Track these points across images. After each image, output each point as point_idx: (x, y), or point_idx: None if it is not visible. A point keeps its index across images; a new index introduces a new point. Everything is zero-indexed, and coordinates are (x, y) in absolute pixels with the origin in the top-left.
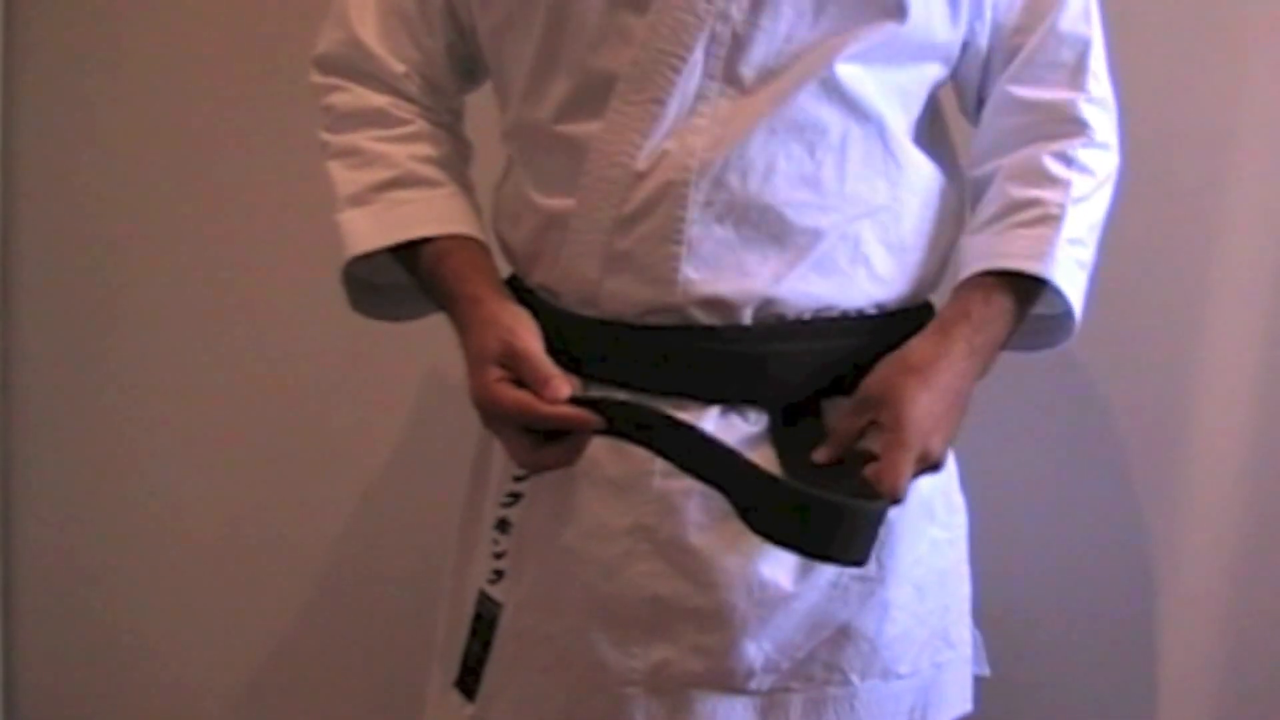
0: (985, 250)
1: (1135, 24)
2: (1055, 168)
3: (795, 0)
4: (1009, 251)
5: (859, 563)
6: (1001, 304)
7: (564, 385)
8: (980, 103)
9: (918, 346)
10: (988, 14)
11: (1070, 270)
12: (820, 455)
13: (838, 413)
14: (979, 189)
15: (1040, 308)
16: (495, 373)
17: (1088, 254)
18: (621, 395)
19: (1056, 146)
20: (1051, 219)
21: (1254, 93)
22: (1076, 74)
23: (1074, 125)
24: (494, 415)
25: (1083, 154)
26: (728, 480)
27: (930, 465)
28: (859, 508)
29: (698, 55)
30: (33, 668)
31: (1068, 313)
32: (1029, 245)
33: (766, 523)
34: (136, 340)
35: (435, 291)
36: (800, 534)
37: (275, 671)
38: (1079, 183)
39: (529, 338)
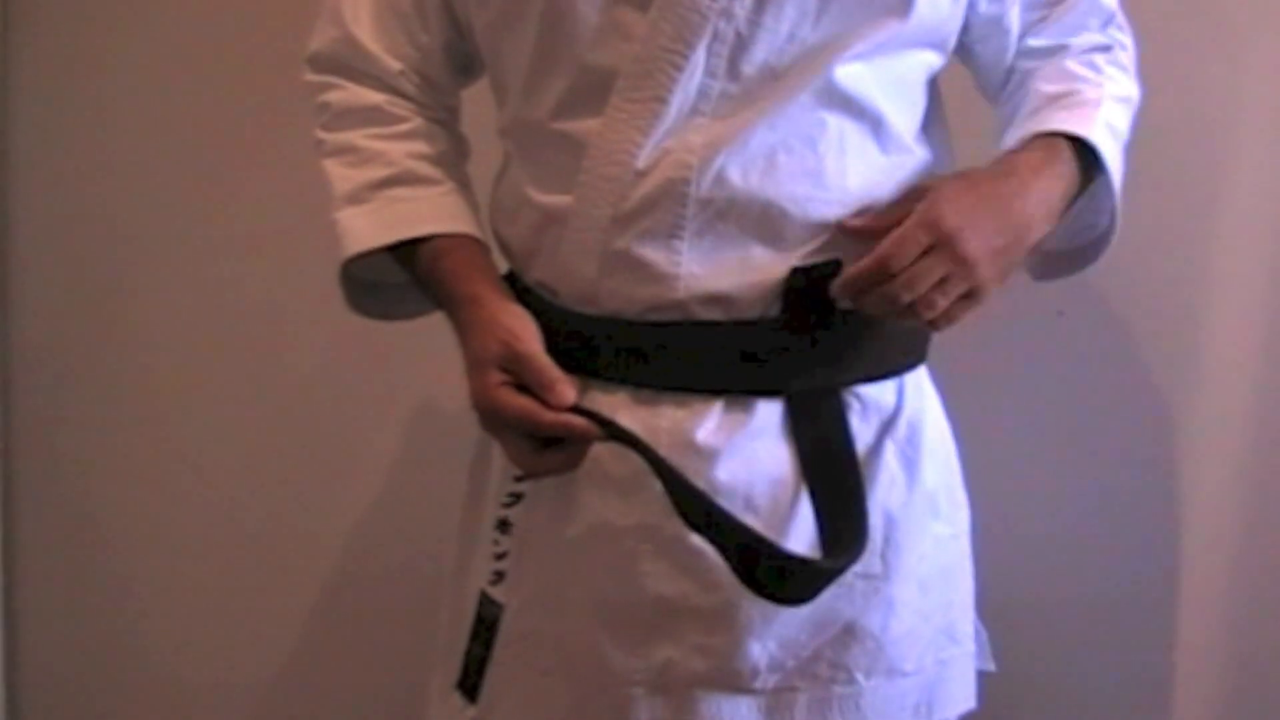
0: (1025, 129)
1: (1133, 16)
2: (1086, 70)
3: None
4: (1051, 121)
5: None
6: (1058, 152)
7: (570, 390)
8: (1007, 79)
9: (972, 170)
10: None
11: (1110, 147)
12: (853, 221)
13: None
14: (1003, 114)
15: (1079, 221)
16: (497, 377)
17: (1120, 147)
18: (622, 394)
19: (1086, 57)
20: (1091, 102)
21: (1253, 85)
22: (1099, 32)
23: (1100, 47)
24: (495, 420)
25: (1110, 67)
26: (713, 530)
27: (961, 262)
28: (836, 567)
29: (700, 53)
30: (35, 668)
31: (1110, 214)
32: (1070, 117)
33: (745, 575)
34: (138, 341)
35: (433, 290)
36: (775, 586)
37: (276, 672)
38: (1112, 81)
39: (531, 340)
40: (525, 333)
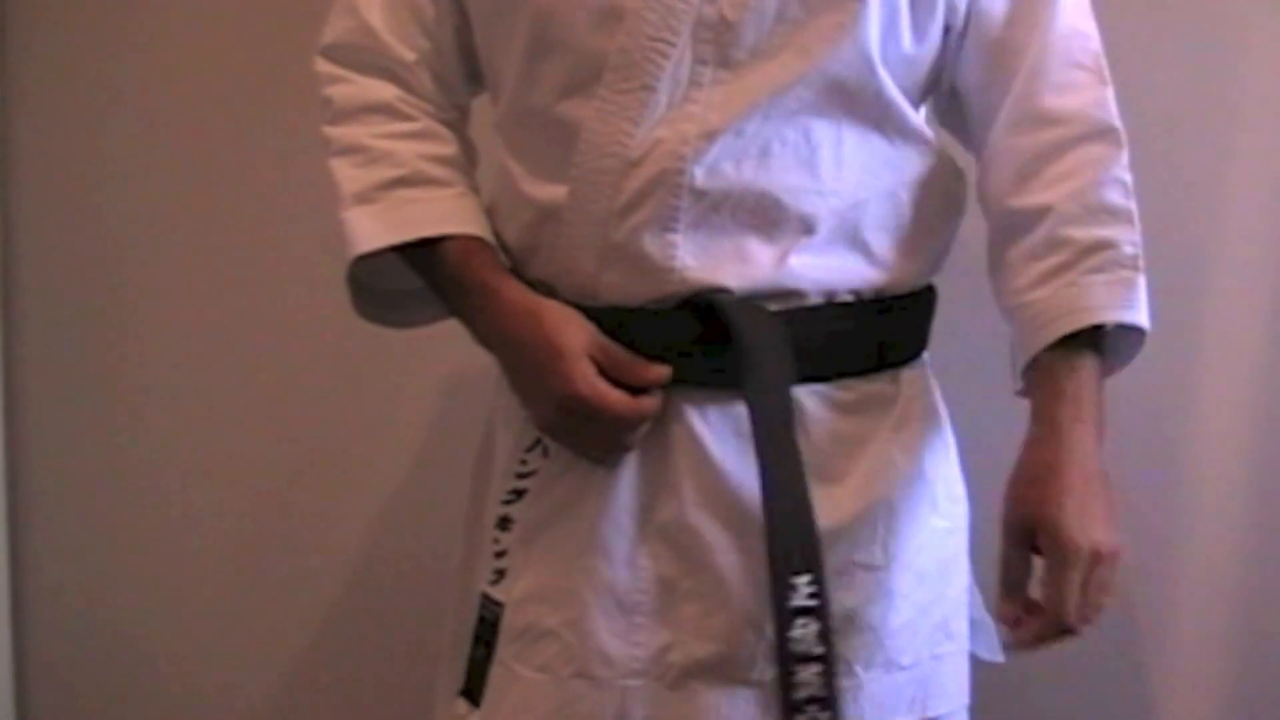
0: (1063, 306)
1: (1135, 14)
2: (1117, 199)
3: None
4: (1092, 304)
5: None
6: (1087, 364)
7: (665, 368)
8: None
9: (1036, 457)
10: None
11: (1142, 298)
12: (1006, 613)
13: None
14: (1014, 222)
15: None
16: (591, 366)
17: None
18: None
19: (1110, 172)
20: (1129, 260)
21: (1253, 89)
22: (1097, 69)
23: (1112, 135)
24: (585, 410)
25: (1127, 171)
26: None
27: (1107, 558)
28: None
29: (685, 40)
30: (43, 675)
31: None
32: (1113, 294)
33: None
34: (142, 345)
35: (460, 291)
36: None
37: (283, 676)
38: (1135, 207)
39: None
40: (589, 323)
